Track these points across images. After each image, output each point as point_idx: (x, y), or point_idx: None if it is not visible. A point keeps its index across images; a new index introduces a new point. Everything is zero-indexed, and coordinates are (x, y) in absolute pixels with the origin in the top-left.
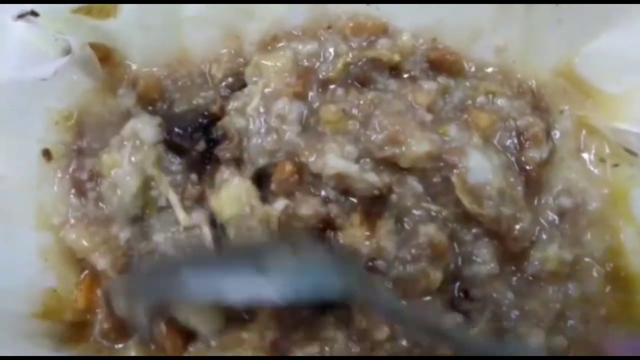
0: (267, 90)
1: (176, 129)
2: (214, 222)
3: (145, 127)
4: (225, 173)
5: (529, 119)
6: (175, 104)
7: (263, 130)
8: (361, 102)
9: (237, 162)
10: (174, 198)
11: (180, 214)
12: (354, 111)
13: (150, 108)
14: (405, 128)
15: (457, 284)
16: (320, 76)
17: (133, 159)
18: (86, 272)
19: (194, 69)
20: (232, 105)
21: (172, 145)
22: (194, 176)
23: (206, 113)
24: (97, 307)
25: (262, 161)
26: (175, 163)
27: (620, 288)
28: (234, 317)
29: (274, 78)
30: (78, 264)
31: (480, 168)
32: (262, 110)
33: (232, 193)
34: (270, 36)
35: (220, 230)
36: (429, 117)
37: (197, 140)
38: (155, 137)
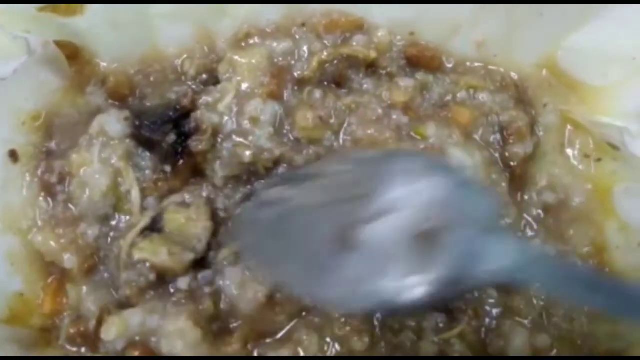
0: (241, 88)
1: (145, 122)
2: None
3: (112, 121)
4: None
5: (512, 114)
6: (147, 99)
7: (234, 134)
8: (338, 105)
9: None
10: (136, 194)
11: (135, 211)
12: (332, 119)
13: (120, 104)
14: (379, 137)
15: None
16: (296, 75)
17: (103, 155)
18: (53, 276)
19: (167, 64)
20: (204, 99)
21: (141, 139)
22: (167, 168)
23: (178, 107)
24: (64, 311)
25: (232, 170)
26: (146, 159)
27: None
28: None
29: (248, 76)
30: (45, 268)
31: (461, 166)
32: (235, 109)
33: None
34: (243, 33)
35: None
36: (405, 120)
37: (167, 133)
38: (123, 131)
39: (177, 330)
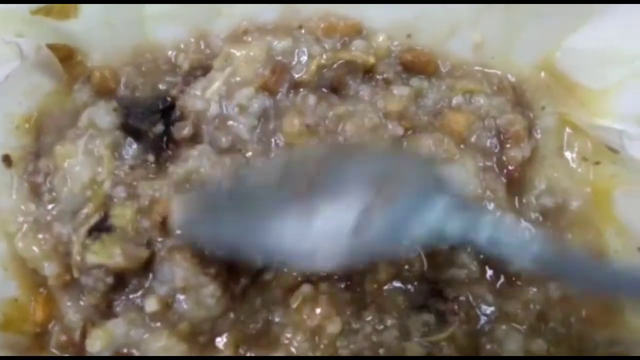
0: (234, 79)
1: (133, 112)
2: None
3: (101, 113)
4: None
5: (509, 117)
6: (138, 90)
7: (217, 119)
8: (329, 114)
9: None
10: (107, 185)
11: (97, 203)
12: (320, 127)
13: (108, 97)
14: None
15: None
16: (295, 76)
17: (89, 146)
18: (42, 284)
19: (160, 54)
20: (193, 89)
21: (129, 129)
22: (151, 157)
23: (167, 97)
24: (53, 318)
25: None
26: (132, 149)
27: None
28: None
29: (244, 67)
30: (34, 273)
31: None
32: (223, 94)
33: None
34: (241, 30)
35: None
36: (400, 131)
37: (154, 123)
38: (112, 122)
39: (161, 348)
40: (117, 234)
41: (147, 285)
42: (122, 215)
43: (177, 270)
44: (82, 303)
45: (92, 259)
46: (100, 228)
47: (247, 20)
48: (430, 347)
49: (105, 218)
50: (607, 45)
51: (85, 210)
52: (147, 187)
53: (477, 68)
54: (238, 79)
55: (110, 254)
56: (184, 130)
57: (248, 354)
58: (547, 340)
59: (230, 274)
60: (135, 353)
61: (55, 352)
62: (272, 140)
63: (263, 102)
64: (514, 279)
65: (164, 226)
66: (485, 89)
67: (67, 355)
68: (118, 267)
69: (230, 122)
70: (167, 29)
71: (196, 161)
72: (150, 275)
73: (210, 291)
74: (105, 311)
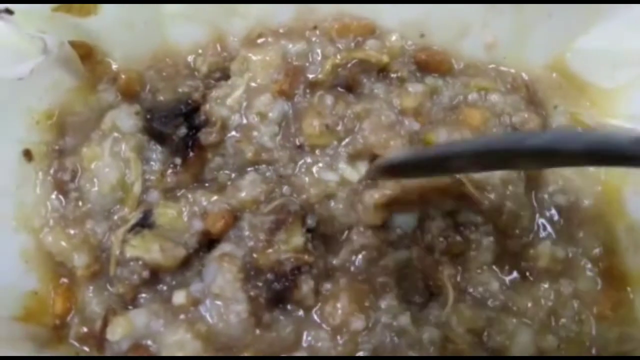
0: (252, 84)
1: (157, 116)
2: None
3: (124, 116)
4: None
5: (524, 115)
6: (160, 93)
7: (239, 129)
8: (347, 113)
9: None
10: (138, 186)
11: (132, 204)
12: (338, 126)
13: (132, 100)
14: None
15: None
16: (310, 77)
17: (115, 149)
18: (64, 277)
19: (180, 59)
20: (215, 93)
21: (153, 132)
22: (178, 161)
23: (189, 101)
24: (72, 310)
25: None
26: (157, 152)
27: (612, 286)
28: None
29: (261, 72)
30: (59, 266)
31: None
32: (244, 103)
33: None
34: (256, 33)
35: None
36: (417, 126)
37: (178, 127)
38: (135, 125)
39: (176, 342)
40: (158, 231)
41: (181, 279)
42: (166, 213)
43: (219, 276)
44: (106, 294)
45: (130, 251)
46: (143, 224)
47: (262, 21)
48: (442, 327)
49: (148, 215)
50: (617, 46)
51: (118, 209)
52: (188, 193)
53: (491, 66)
54: (254, 84)
55: (148, 249)
56: (211, 136)
57: None
58: (558, 336)
59: (268, 303)
60: (152, 345)
61: (75, 344)
62: (296, 143)
63: (282, 107)
64: (527, 274)
65: (207, 236)
66: (499, 87)
67: (85, 347)
68: (154, 262)
69: (253, 133)
70: (185, 29)
71: (249, 190)
72: (187, 274)
73: (238, 309)
74: (129, 302)
